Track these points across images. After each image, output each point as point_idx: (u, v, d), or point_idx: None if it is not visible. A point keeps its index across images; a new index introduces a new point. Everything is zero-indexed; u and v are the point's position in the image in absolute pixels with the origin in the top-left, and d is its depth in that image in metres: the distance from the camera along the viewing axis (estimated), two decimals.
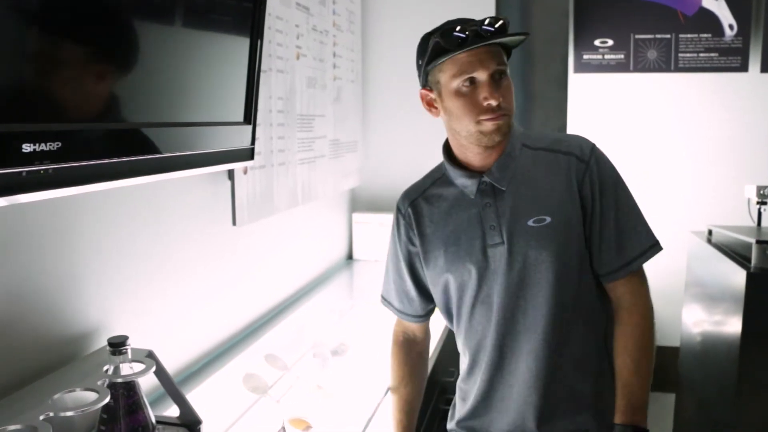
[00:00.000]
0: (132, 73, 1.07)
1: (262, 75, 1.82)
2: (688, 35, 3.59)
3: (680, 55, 3.60)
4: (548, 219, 1.35)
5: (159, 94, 1.15)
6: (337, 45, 2.48)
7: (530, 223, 1.35)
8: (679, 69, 3.61)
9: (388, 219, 2.80)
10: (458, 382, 1.54)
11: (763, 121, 3.55)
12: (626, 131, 3.58)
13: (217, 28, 1.33)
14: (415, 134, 2.86)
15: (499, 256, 1.36)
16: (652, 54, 3.60)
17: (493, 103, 1.27)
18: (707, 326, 2.70)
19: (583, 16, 3.61)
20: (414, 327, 1.58)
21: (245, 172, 1.76)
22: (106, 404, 1.05)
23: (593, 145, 1.41)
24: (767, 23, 3.52)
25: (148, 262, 1.47)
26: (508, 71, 1.33)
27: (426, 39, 1.36)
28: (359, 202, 2.91)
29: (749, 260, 2.37)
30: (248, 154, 1.52)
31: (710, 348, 2.67)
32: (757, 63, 3.57)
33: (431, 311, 1.56)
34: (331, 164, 2.41)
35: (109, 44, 1.00)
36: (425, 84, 1.39)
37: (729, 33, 3.57)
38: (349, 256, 2.87)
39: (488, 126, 1.30)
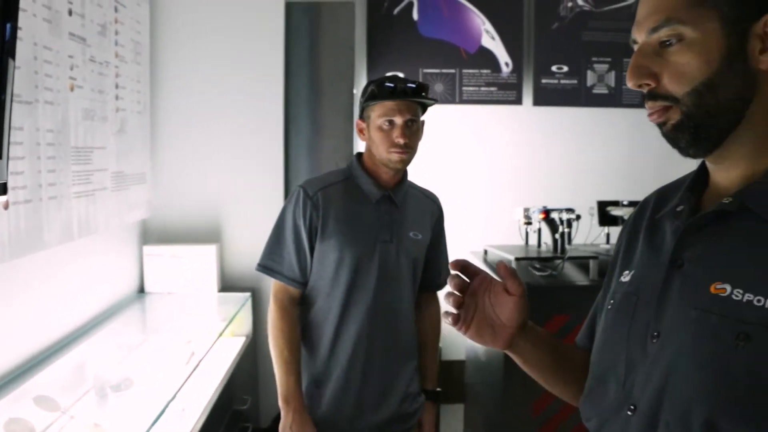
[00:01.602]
0: None
1: (27, 107, 1.77)
2: (471, 70, 3.94)
3: (464, 88, 3.94)
4: (420, 236, 1.96)
5: None
6: (121, 76, 2.45)
7: (411, 234, 1.94)
8: (463, 101, 3.94)
9: (181, 250, 2.78)
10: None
11: (534, 149, 3.96)
12: (415, 158, 3.84)
13: None
14: (209, 165, 2.88)
15: (386, 250, 1.87)
16: (439, 87, 3.91)
17: (401, 141, 1.81)
18: None
19: (374, 51, 3.84)
20: (298, 293, 1.91)
21: (6, 207, 1.69)
22: None
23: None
24: (537, 62, 3.95)
25: None
26: (420, 121, 1.87)
27: (368, 84, 1.87)
28: (151, 234, 2.86)
29: None
30: None
31: (488, 357, 2.93)
32: (529, 97, 3.98)
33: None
34: (114, 197, 2.36)
35: None
36: (361, 116, 1.90)
37: (505, 70, 3.96)
38: (141, 290, 2.81)
39: (395, 157, 1.83)
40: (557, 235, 2.84)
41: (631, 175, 3.84)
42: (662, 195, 0.98)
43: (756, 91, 0.80)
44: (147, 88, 2.76)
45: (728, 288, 0.76)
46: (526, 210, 3.01)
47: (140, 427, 1.78)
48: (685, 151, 0.83)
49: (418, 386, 1.99)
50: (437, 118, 3.86)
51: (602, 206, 3.15)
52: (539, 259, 2.83)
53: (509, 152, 3.96)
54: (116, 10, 2.42)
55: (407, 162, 1.88)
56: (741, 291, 0.75)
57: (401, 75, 3.83)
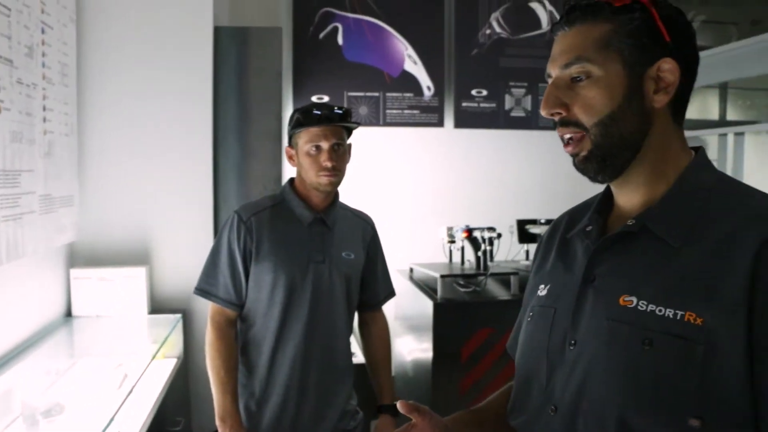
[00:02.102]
0: None
1: None
2: (394, 94, 4.07)
3: (387, 111, 4.06)
4: (353, 255, 2.05)
5: None
6: (48, 98, 2.43)
7: (343, 254, 2.02)
8: (387, 123, 4.06)
9: (109, 273, 2.76)
10: None
11: (456, 170, 4.12)
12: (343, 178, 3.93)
13: None
14: (138, 187, 2.87)
15: (319, 270, 1.95)
16: (363, 110, 4.02)
17: (329, 165, 1.90)
18: (416, 354, 3.08)
19: (301, 74, 3.92)
20: (234, 315, 1.99)
21: None
22: None
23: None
24: (457, 87, 4.13)
25: None
26: (347, 144, 1.99)
27: (294, 112, 1.96)
28: (79, 257, 2.82)
29: (437, 292, 2.77)
30: None
31: (416, 373, 3.04)
32: (450, 119, 4.15)
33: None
34: (42, 220, 2.34)
35: None
36: (290, 143, 2.00)
37: (428, 93, 4.11)
38: (68, 314, 2.76)
39: (324, 180, 1.93)
40: (480, 253, 2.99)
41: (548, 194, 4.04)
42: (572, 216, 1.10)
43: (651, 125, 0.93)
44: (74, 111, 2.74)
45: (634, 300, 0.88)
46: (450, 229, 3.15)
47: None
48: (594, 179, 0.96)
49: (356, 403, 2.08)
50: (363, 140, 3.96)
51: (521, 224, 3.34)
52: (463, 276, 2.97)
53: (432, 173, 4.10)
54: (43, 31, 2.40)
55: (336, 184, 1.98)
56: (645, 302, 0.87)
57: (326, 99, 3.93)
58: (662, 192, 0.94)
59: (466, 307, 2.74)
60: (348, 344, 2.06)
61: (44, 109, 2.40)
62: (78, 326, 2.71)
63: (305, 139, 1.92)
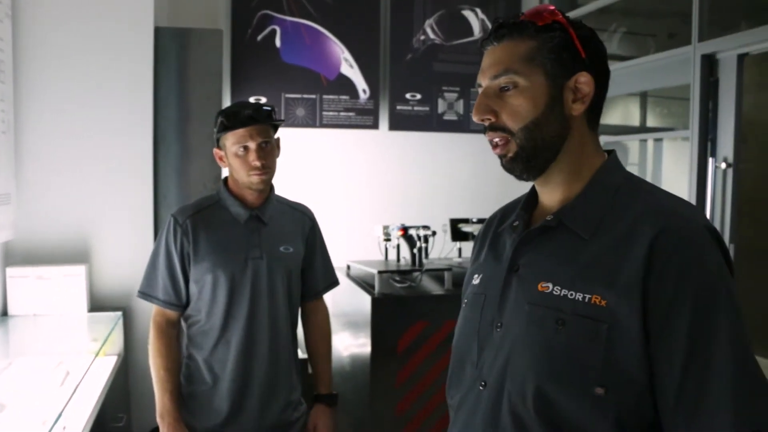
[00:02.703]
0: None
1: None
2: (330, 96, 4.16)
3: (324, 113, 4.15)
4: (292, 249, 2.10)
5: None
6: None
7: (281, 249, 2.06)
8: (323, 125, 4.15)
9: (48, 272, 2.75)
10: None
11: (391, 170, 4.24)
12: (279, 178, 3.95)
13: None
14: (77, 185, 2.87)
15: (258, 267, 2.00)
16: (300, 111, 4.09)
17: (258, 164, 1.95)
18: (353, 349, 3.18)
19: (239, 76, 3.96)
20: (176, 315, 2.05)
21: None
22: None
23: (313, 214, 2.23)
24: (392, 90, 4.25)
25: None
26: (274, 139, 2.03)
27: (218, 115, 2.01)
28: (15, 256, 2.80)
29: (374, 287, 2.88)
30: None
31: (353, 367, 3.14)
32: (385, 122, 4.27)
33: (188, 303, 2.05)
34: None
35: None
36: (217, 145, 2.03)
37: (363, 96, 4.22)
38: (4, 313, 2.74)
39: (255, 179, 1.97)
40: (415, 250, 3.12)
41: (478, 194, 4.22)
42: (504, 212, 1.24)
43: (569, 131, 1.07)
44: (11, 108, 2.72)
45: (551, 286, 1.02)
46: (386, 227, 3.27)
47: None
48: (519, 177, 1.09)
49: (299, 394, 2.14)
50: (299, 140, 4.07)
51: (454, 223, 3.49)
52: (399, 272, 3.10)
53: (368, 174, 4.22)
54: None
55: (268, 182, 2.03)
56: (559, 288, 1.01)
57: (263, 100, 3.99)
58: (578, 190, 1.08)
59: (403, 302, 2.86)
60: (292, 337, 2.11)
61: None
62: (14, 325, 2.69)
63: (232, 140, 1.96)
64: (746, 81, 5.50)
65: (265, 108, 1.99)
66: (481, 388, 1.08)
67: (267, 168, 1.99)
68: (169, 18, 3.52)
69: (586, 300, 0.98)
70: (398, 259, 3.26)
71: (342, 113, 4.18)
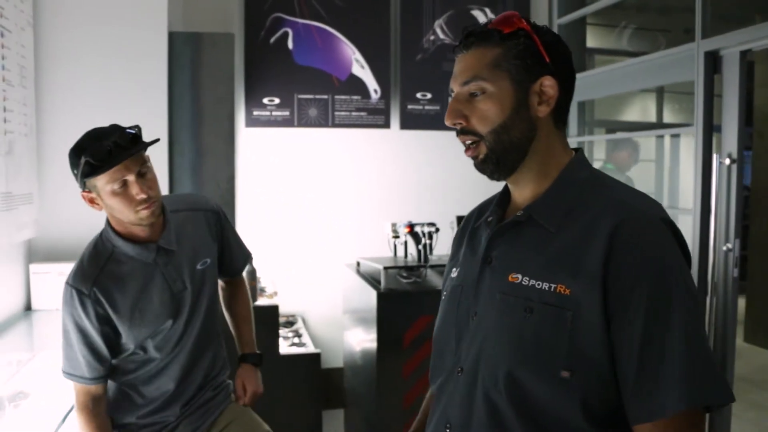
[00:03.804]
0: None
1: None
2: (342, 96, 4.23)
3: (336, 113, 4.23)
4: (209, 260, 1.94)
5: None
6: (8, 99, 2.54)
7: (199, 266, 1.90)
8: (335, 125, 4.22)
9: (68, 268, 2.77)
10: None
11: (401, 169, 4.32)
12: (292, 177, 4.10)
13: None
14: None
15: (185, 298, 1.85)
16: (313, 112, 4.18)
17: (143, 196, 1.68)
18: (364, 344, 3.26)
19: (252, 78, 4.06)
20: (101, 389, 1.83)
21: None
22: None
23: (213, 201, 2.04)
24: (403, 90, 4.32)
25: None
26: (148, 162, 1.74)
27: (77, 155, 1.66)
28: (38, 253, 2.93)
29: (380, 283, 2.97)
30: None
31: (363, 360, 3.23)
32: (396, 121, 4.33)
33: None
34: (3, 217, 2.45)
35: None
36: (84, 188, 1.72)
37: (374, 96, 4.29)
38: (28, 307, 2.87)
39: (145, 213, 1.71)
40: (420, 246, 3.20)
41: (487, 191, 4.21)
42: (481, 209, 1.32)
43: (536, 132, 1.13)
44: (33, 111, 2.85)
45: (520, 276, 1.09)
46: (394, 225, 3.35)
47: None
48: (491, 177, 1.17)
49: (228, 384, 2.10)
50: (312, 140, 4.17)
51: (460, 220, 3.55)
52: (405, 268, 3.18)
53: (379, 172, 4.29)
54: (2, 35, 2.51)
55: (158, 212, 1.77)
56: (528, 278, 1.08)
57: (277, 101, 4.08)
58: (546, 187, 1.15)
59: (408, 296, 2.94)
60: (220, 336, 2.06)
61: (4, 110, 2.51)
62: (37, 319, 2.81)
63: (105, 180, 1.66)
64: (760, 76, 5.49)
65: (128, 131, 1.70)
66: (458, 374, 1.15)
67: (154, 197, 1.73)
68: (184, 23, 3.64)
69: (552, 289, 1.05)
70: (405, 256, 3.34)
71: (354, 113, 4.25)
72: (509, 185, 1.22)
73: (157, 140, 1.76)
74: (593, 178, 1.15)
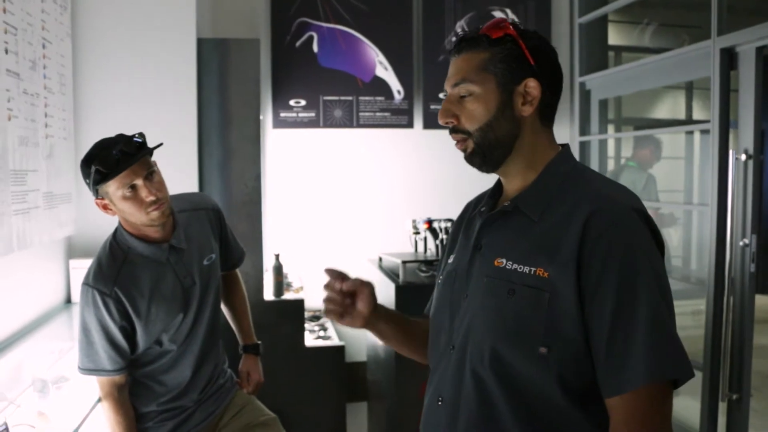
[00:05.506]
0: None
1: None
2: (366, 98, 4.34)
3: (360, 113, 4.34)
4: (213, 256, 2.09)
5: None
6: (49, 106, 2.72)
7: (205, 262, 2.05)
8: (360, 125, 4.34)
9: None
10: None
11: (424, 167, 4.41)
12: (318, 177, 4.23)
13: None
14: None
15: (194, 293, 2.00)
16: (338, 113, 4.30)
17: (152, 198, 1.82)
18: None
19: (279, 80, 4.20)
20: (124, 378, 1.97)
21: None
22: None
23: (212, 199, 2.23)
24: (426, 91, 4.41)
25: None
26: (155, 166, 1.90)
27: (87, 165, 1.82)
28: (76, 249, 3.11)
29: (399, 276, 3.08)
30: None
31: (385, 352, 3.33)
32: (420, 121, 4.43)
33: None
34: (45, 214, 2.63)
35: None
36: (96, 195, 1.88)
37: (398, 97, 4.39)
38: (68, 300, 3.04)
39: (155, 214, 1.85)
40: (437, 241, 3.30)
41: None
42: (478, 200, 1.42)
43: (521, 130, 1.23)
44: (71, 117, 3.02)
45: (504, 261, 1.19)
46: (414, 221, 3.46)
47: (80, 413, 2.07)
48: (480, 169, 1.27)
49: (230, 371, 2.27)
50: (337, 140, 4.29)
51: None
52: (423, 262, 3.28)
53: (403, 171, 4.39)
54: (44, 46, 2.68)
55: (168, 211, 1.91)
56: (512, 263, 1.18)
57: (303, 103, 4.22)
58: (532, 179, 1.25)
59: (426, 289, 3.01)
60: (220, 328, 2.20)
61: (46, 115, 2.68)
62: (77, 312, 2.97)
63: (115, 186, 1.82)
64: None
65: (135, 140, 1.85)
66: (450, 351, 1.26)
67: (163, 198, 1.87)
68: (213, 28, 3.79)
69: (532, 272, 1.15)
70: (425, 250, 3.45)
71: (378, 113, 4.36)
72: (501, 178, 1.32)
73: (160, 144, 1.92)
74: (575, 171, 1.25)
